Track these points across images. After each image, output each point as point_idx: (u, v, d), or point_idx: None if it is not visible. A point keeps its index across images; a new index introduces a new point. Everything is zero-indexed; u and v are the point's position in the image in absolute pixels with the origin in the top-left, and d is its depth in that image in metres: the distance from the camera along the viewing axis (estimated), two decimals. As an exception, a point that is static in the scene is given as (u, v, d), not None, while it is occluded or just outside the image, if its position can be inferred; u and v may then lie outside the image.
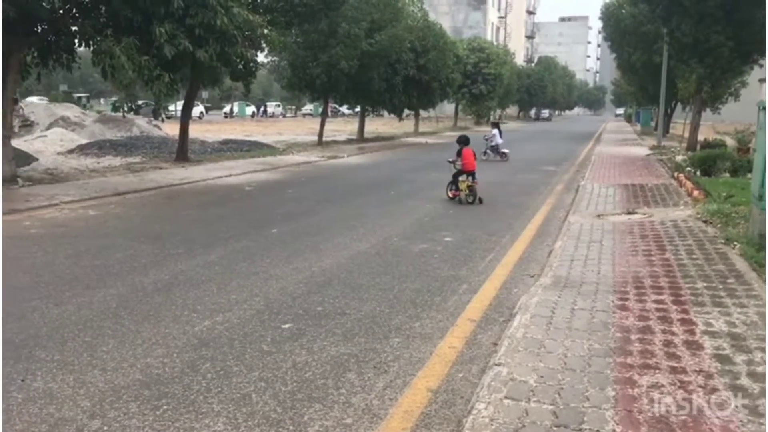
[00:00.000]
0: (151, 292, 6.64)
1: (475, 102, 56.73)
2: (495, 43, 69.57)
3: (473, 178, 12.95)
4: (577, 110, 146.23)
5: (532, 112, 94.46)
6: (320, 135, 30.66)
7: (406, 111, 39.95)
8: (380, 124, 50.43)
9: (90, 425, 3.85)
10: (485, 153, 23.27)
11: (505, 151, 23.93)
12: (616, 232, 9.43)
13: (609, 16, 35.66)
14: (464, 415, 3.93)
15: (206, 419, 3.95)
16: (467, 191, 12.85)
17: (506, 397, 4.00)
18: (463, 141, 13.48)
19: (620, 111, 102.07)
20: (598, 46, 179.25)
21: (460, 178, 13.05)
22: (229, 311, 6.00)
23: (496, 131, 24.43)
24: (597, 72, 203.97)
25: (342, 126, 47.81)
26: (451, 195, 13.28)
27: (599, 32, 66.89)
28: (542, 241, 9.48)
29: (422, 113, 46.89)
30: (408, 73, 32.77)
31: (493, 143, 24.18)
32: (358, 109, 42.85)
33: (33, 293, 6.53)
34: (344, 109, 71.45)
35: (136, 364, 4.78)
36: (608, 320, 5.40)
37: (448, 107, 67.38)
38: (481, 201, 12.79)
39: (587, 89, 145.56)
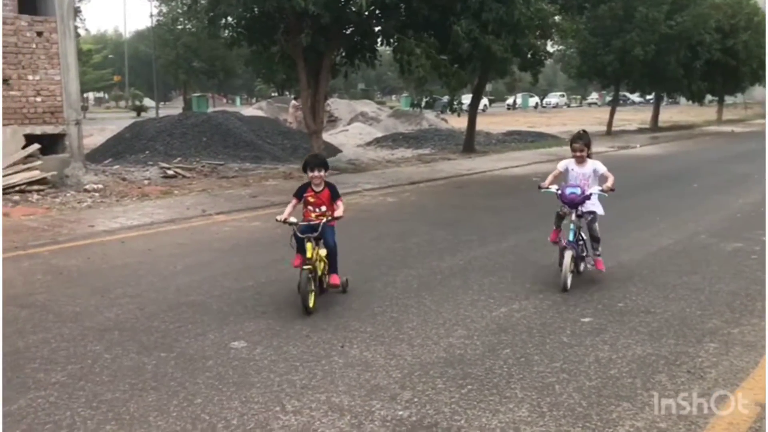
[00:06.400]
0: (448, 276, 6.88)
1: (795, 86, 49.42)
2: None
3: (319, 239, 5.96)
4: None
5: None
6: (609, 124, 29.32)
7: (708, 97, 36.30)
8: (675, 112, 46.62)
9: (402, 395, 4.09)
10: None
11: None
12: None
13: None
14: (807, 439, 3.40)
15: (510, 404, 3.95)
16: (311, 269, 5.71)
17: None
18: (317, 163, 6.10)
19: None
20: None
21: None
22: (525, 300, 5.96)
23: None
24: None
25: (632, 115, 45.05)
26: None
27: None
28: None
29: (727, 99, 42.20)
30: (711, 57, 29.64)
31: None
32: (649, 96, 40.15)
33: (345, 270, 7.06)
34: (635, 97, 67.45)
35: (440, 342, 4.97)
36: None
37: (758, 92, 59.78)
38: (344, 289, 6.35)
39: None
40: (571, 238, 6.30)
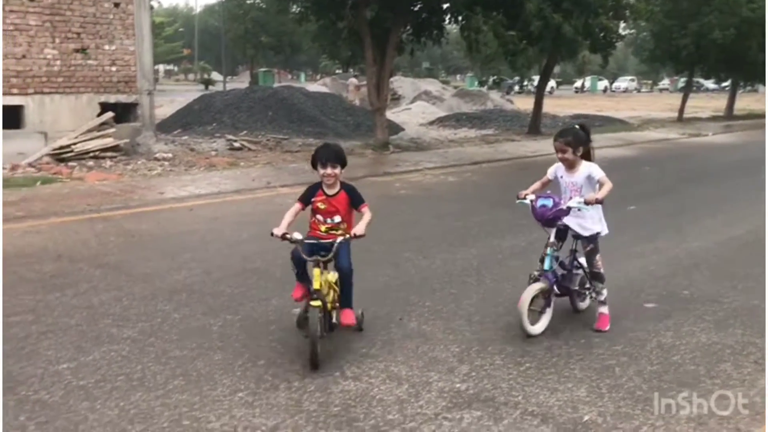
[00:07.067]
0: (508, 256, 6.86)
1: None
2: None
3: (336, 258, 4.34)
4: None
5: None
6: (681, 111, 28.36)
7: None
8: (753, 101, 44.58)
9: (460, 368, 4.12)
10: None
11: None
12: None
13: None
14: None
15: (569, 383, 3.93)
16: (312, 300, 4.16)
17: None
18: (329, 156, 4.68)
19: None
20: None
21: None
22: (587, 282, 5.88)
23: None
24: None
25: (705, 102, 43.36)
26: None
27: None
28: None
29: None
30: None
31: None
32: (725, 83, 38.66)
33: (405, 246, 7.22)
34: (709, 83, 64.93)
35: (498, 320, 4.97)
36: None
37: None
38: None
39: None
40: (546, 266, 4.67)
